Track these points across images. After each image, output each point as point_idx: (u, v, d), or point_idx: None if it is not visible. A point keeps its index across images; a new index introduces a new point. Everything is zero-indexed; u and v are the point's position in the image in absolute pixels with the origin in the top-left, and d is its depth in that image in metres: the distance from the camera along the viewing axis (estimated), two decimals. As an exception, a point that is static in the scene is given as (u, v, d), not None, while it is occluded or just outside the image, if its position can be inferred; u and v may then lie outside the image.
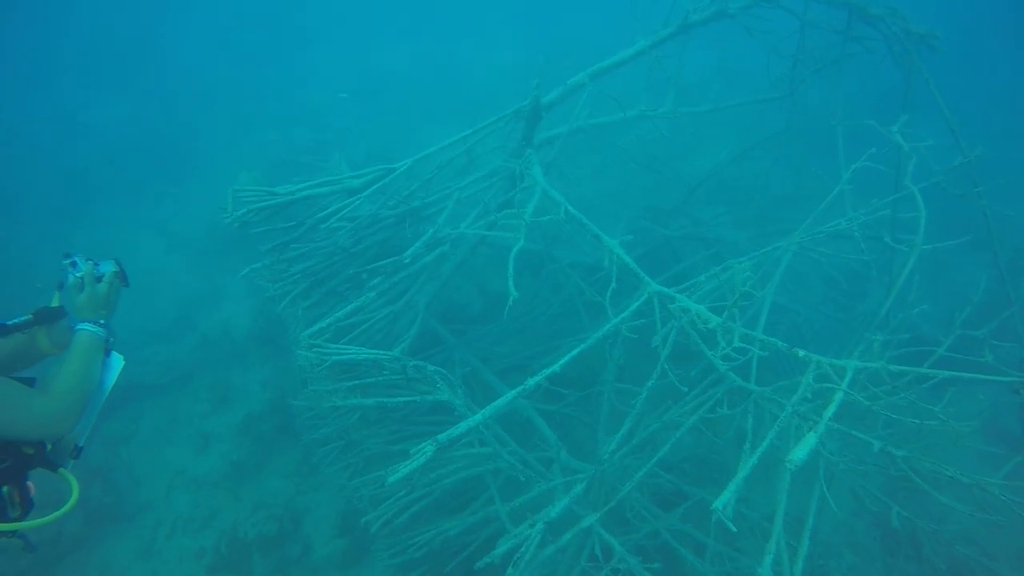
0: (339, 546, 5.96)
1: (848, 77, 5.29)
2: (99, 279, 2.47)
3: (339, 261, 4.26)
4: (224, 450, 6.96)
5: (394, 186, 4.31)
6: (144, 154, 12.20)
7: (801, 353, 3.12)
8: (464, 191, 4.51)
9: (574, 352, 3.55)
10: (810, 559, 3.01)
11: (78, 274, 2.43)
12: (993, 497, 2.87)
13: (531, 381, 3.42)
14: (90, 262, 2.49)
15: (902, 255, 4.81)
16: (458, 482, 4.02)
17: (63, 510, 2.17)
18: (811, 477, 3.30)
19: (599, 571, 3.54)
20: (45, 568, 6.22)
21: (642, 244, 6.29)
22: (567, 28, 14.54)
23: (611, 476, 4.00)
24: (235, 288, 8.97)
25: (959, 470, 2.87)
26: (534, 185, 4.08)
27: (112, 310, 2.49)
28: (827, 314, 6.30)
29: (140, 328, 8.47)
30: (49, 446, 2.26)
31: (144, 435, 7.34)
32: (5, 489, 2.19)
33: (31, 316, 2.38)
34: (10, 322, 2.33)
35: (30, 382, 2.38)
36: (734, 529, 2.48)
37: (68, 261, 2.46)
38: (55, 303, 2.47)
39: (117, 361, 2.47)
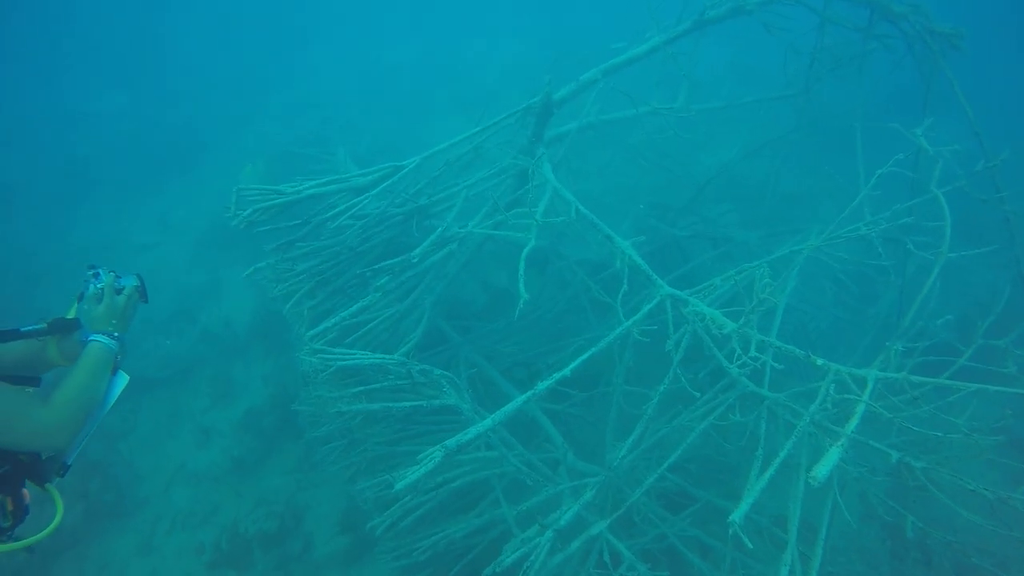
0: (341, 543, 5.91)
1: (860, 77, 5.19)
2: (119, 292, 2.47)
3: (345, 260, 4.18)
4: (225, 445, 6.90)
5: (401, 184, 4.22)
6: (145, 145, 12.08)
7: (819, 362, 3.05)
8: (473, 189, 4.42)
9: (584, 356, 3.47)
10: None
11: (99, 285, 2.43)
12: (1009, 508, 2.80)
13: (541, 385, 3.35)
14: (112, 274, 2.49)
15: (915, 258, 4.76)
16: (464, 484, 3.97)
17: (45, 532, 2.11)
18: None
19: (606, 576, 3.48)
20: (43, 563, 6.18)
21: (649, 242, 6.21)
22: (572, 24, 14.39)
23: (619, 479, 3.94)
24: (237, 281, 8.87)
25: (969, 479, 2.80)
26: (545, 184, 4.00)
27: (127, 325, 2.47)
28: (834, 314, 6.22)
29: (140, 319, 8.37)
30: (45, 455, 2.19)
31: (144, 429, 7.29)
32: None
33: (45, 325, 2.36)
34: (24, 328, 2.30)
35: (35, 381, 2.32)
36: (751, 546, 2.42)
37: (91, 272, 2.47)
38: (71, 315, 2.45)
39: (121, 379, 2.41)
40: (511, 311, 6.51)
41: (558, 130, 5.03)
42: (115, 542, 6.40)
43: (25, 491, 2.22)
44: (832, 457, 2.29)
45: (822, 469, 2.24)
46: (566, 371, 3.38)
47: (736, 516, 2.39)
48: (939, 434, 2.65)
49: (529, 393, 3.30)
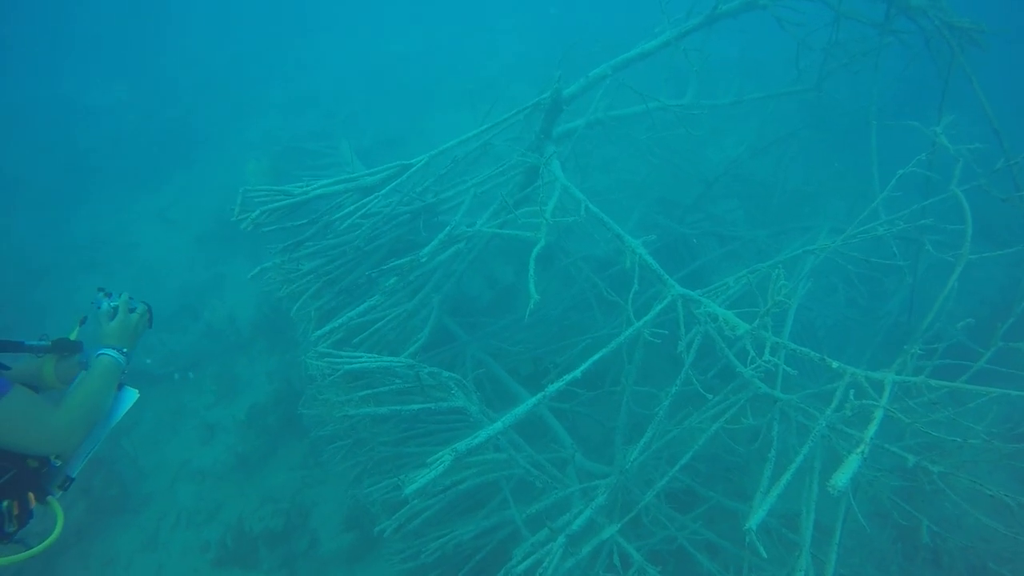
0: (346, 540, 5.89)
1: (866, 74, 5.10)
2: (132, 311, 2.58)
3: (352, 259, 4.12)
4: (229, 442, 6.88)
5: (410, 182, 4.16)
6: (146, 139, 12.00)
7: (835, 364, 3.00)
8: (481, 187, 4.36)
9: (595, 357, 3.42)
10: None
11: (114, 303, 2.54)
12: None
13: (552, 387, 3.31)
14: (126, 294, 2.61)
15: (926, 257, 4.69)
16: (472, 485, 3.93)
17: (43, 545, 2.13)
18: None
19: (616, 579, 3.45)
20: (48, 559, 6.17)
21: (656, 239, 6.15)
22: (575, 20, 14.26)
23: (629, 481, 3.90)
24: (240, 277, 8.83)
25: (976, 479, 2.75)
26: (554, 181, 3.94)
27: (136, 344, 2.55)
28: (841, 312, 6.17)
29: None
30: (57, 460, 2.22)
31: (148, 426, 7.26)
32: (5, 503, 2.12)
33: (49, 343, 2.43)
34: (28, 342, 2.36)
35: (35, 391, 2.31)
36: (765, 555, 2.38)
37: (103, 293, 2.58)
38: (73, 336, 2.53)
39: (130, 395, 2.49)
40: (516, 307, 6.50)
41: (565, 126, 4.96)
42: (119, 538, 6.38)
43: (31, 495, 2.22)
44: (852, 464, 2.25)
45: (842, 477, 2.20)
46: (576, 372, 3.33)
47: (753, 523, 2.35)
48: (957, 439, 2.60)
49: (540, 395, 3.25)
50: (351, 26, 16.20)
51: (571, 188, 3.91)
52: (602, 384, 5.09)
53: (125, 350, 2.46)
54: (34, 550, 2.12)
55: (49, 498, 2.23)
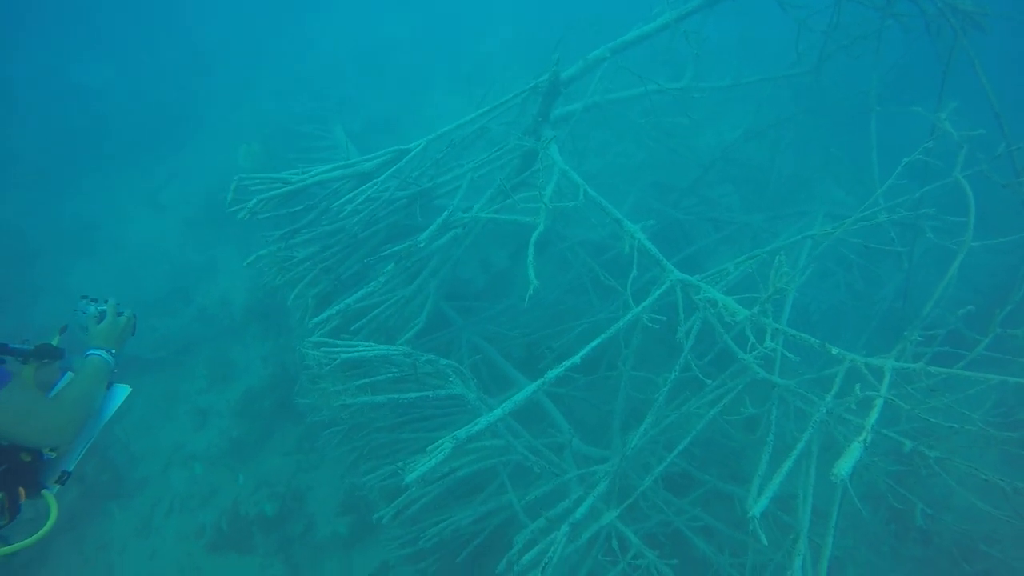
0: (342, 525, 5.91)
1: (865, 59, 5.05)
2: (119, 315, 2.67)
3: (349, 246, 4.08)
4: (223, 427, 6.86)
5: (407, 167, 4.10)
6: (136, 120, 11.79)
7: (835, 350, 3.00)
8: (477, 171, 4.31)
9: (594, 343, 3.41)
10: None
11: (102, 307, 2.64)
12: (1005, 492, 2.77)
13: (551, 374, 3.29)
14: (114, 299, 2.71)
15: (921, 241, 4.69)
16: (469, 471, 3.93)
17: (36, 536, 2.12)
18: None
19: (614, 563, 3.47)
20: (41, 545, 6.15)
21: (655, 224, 6.12)
22: (572, 1, 14.05)
23: (627, 466, 3.91)
24: (233, 260, 8.74)
25: (972, 464, 2.76)
26: (552, 166, 3.89)
27: (123, 347, 2.63)
28: (836, 296, 6.18)
29: (133, 300, 8.22)
30: (52, 454, 2.22)
31: (140, 411, 7.22)
32: None
33: (32, 347, 2.43)
34: (12, 345, 2.36)
35: None
36: (766, 543, 2.39)
37: (88, 299, 2.67)
38: (55, 343, 2.54)
39: (122, 391, 2.56)
40: (511, 291, 6.47)
41: (562, 110, 4.91)
42: (113, 523, 6.37)
43: (21, 489, 2.22)
44: (854, 453, 2.25)
45: (844, 466, 2.20)
46: (576, 359, 3.32)
47: (756, 511, 2.36)
48: (955, 425, 2.61)
49: (539, 382, 3.24)
50: (345, 7, 15.91)
51: (569, 172, 3.86)
52: (598, 369, 5.09)
53: (113, 351, 2.54)
54: (30, 539, 2.10)
55: (44, 492, 2.24)
